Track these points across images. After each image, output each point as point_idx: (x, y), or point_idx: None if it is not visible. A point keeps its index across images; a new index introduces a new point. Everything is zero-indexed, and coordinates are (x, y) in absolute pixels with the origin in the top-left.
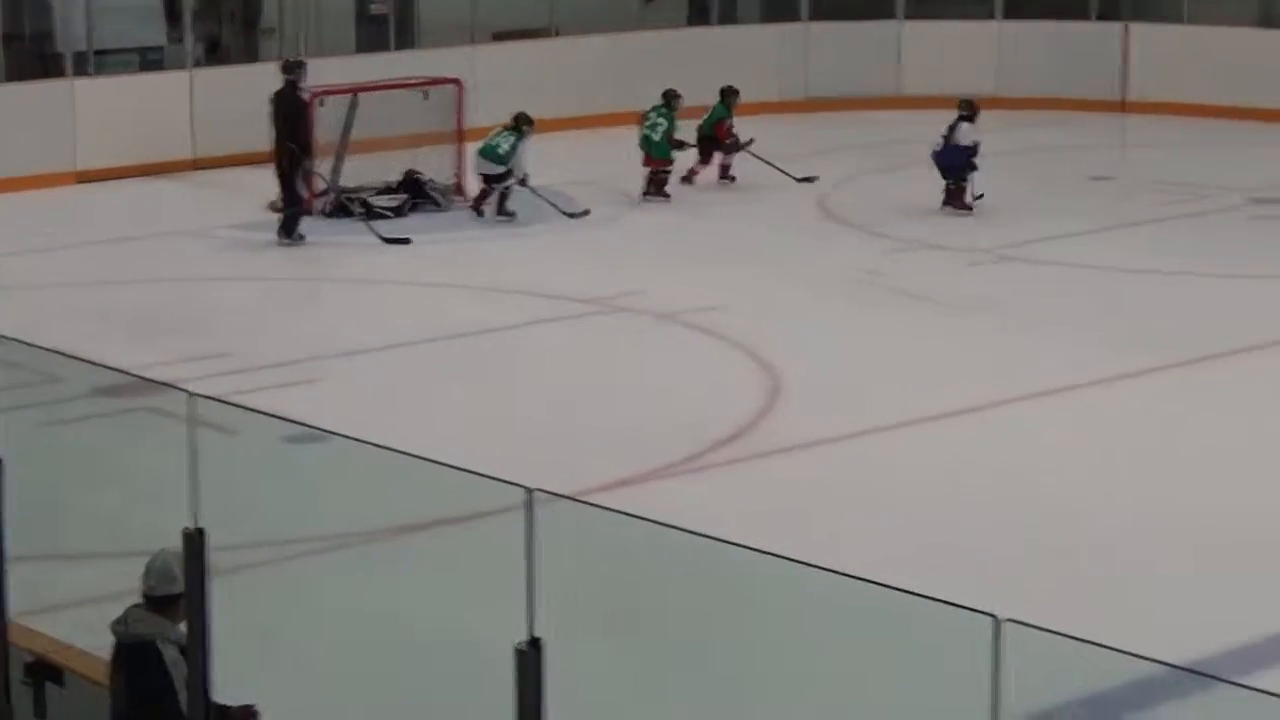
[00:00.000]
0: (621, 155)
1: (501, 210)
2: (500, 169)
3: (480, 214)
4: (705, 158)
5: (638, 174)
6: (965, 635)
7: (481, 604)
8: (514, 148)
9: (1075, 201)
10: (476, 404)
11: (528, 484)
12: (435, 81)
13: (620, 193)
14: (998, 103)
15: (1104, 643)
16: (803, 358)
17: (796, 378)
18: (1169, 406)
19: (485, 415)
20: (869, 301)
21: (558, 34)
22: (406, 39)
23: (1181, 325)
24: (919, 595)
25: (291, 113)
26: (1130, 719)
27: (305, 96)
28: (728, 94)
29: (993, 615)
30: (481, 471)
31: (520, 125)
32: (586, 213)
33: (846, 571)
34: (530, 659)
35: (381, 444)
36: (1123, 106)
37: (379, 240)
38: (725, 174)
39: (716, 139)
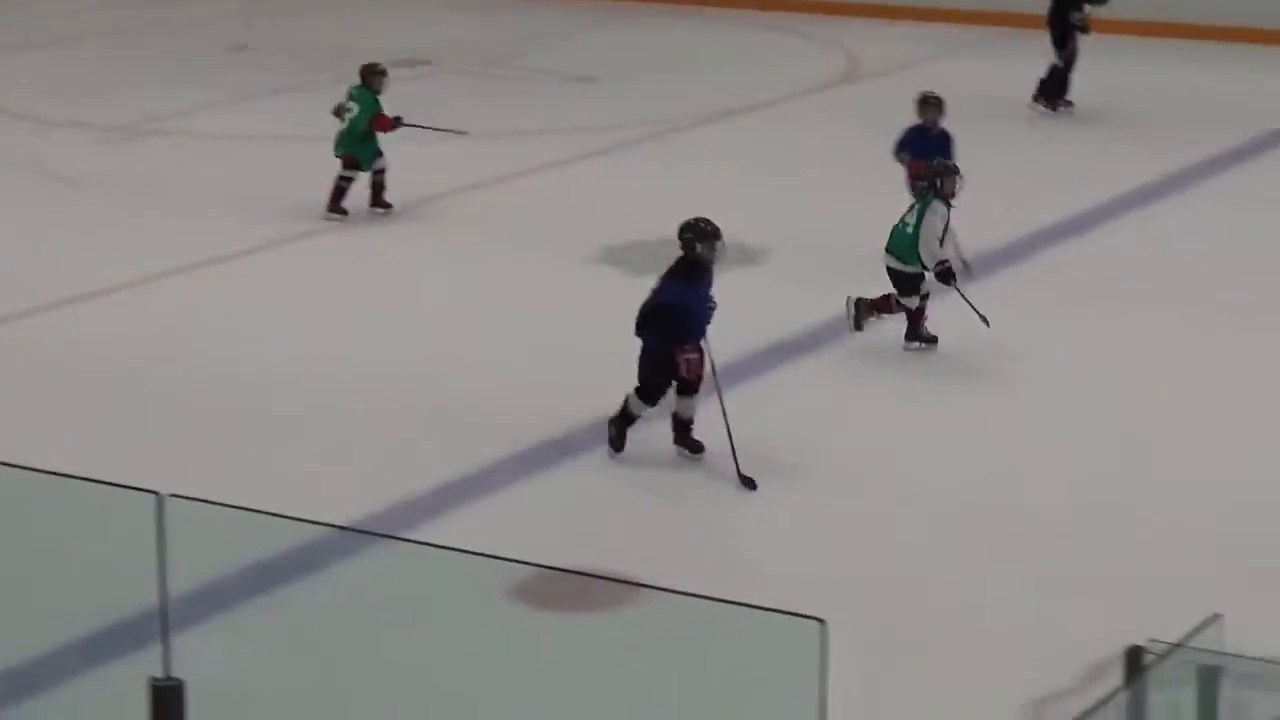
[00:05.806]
0: None
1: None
2: (912, 268)
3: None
4: None
5: None
6: (128, 514)
7: None
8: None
9: (214, 74)
10: None
11: None
12: None
13: None
14: None
15: (269, 510)
16: None
17: None
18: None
19: None
20: (11, 185)
21: None
22: None
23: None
24: (82, 478)
25: None
26: (304, 579)
27: None
28: None
29: (155, 492)
30: None
31: (932, 183)
32: None
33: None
34: None
35: None
36: None
37: None
38: None
39: None
